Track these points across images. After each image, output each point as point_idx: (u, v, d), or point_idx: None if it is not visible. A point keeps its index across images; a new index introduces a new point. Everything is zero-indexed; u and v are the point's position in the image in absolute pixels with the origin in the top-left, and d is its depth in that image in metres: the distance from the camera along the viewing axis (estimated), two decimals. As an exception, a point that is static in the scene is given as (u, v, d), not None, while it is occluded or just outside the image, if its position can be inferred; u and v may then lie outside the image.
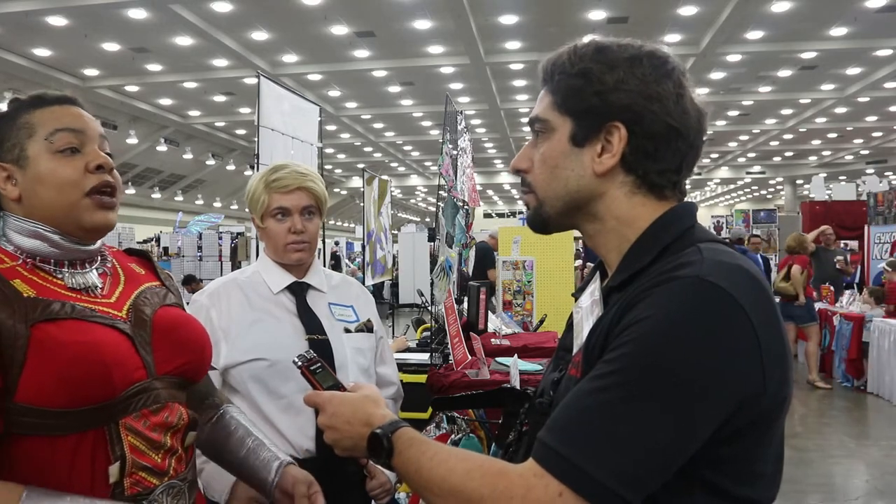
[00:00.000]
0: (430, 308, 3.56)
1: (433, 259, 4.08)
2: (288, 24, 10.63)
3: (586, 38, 0.97)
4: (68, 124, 1.10)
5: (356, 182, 25.38)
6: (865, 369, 7.14)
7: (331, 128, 17.98)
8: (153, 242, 11.86)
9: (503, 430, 1.58)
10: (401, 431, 0.94)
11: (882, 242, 9.09)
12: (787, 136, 20.53)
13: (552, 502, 0.78)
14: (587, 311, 0.97)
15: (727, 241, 0.97)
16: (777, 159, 25.31)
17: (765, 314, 0.82)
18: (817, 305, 7.98)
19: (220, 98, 15.54)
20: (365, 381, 1.54)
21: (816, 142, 21.66)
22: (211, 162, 21.66)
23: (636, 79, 0.91)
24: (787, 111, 17.38)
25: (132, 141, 16.99)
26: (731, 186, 32.99)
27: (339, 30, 10.92)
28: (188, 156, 19.81)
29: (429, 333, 3.80)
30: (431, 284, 3.32)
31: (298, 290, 1.77)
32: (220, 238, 10.42)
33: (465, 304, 3.79)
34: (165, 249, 10.98)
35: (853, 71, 13.32)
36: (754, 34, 11.05)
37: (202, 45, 11.37)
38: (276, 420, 1.65)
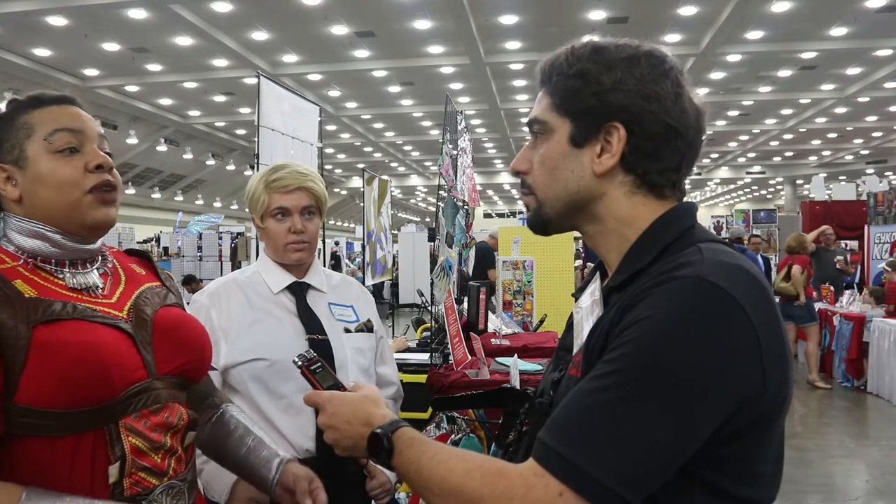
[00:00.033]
0: (430, 308, 3.56)
1: (433, 259, 4.08)
2: (288, 24, 10.63)
3: (583, 39, 0.97)
4: (67, 124, 1.10)
5: (356, 182, 25.38)
6: (865, 369, 7.14)
7: (331, 128, 17.98)
8: (153, 242, 11.86)
9: (503, 430, 1.58)
10: (401, 431, 0.94)
11: (882, 242, 9.09)
12: (787, 136, 20.53)
13: (552, 502, 0.78)
14: (587, 311, 0.98)
15: (726, 240, 0.97)
16: (777, 159, 25.31)
17: (765, 314, 0.82)
18: (817, 305, 7.98)
19: (220, 98, 15.54)
20: (365, 381, 1.54)
21: (816, 142, 21.66)
22: (211, 162, 21.67)
23: (634, 79, 0.91)
24: (787, 111, 17.38)
25: (132, 141, 16.99)
26: (731, 186, 32.99)
27: (339, 30, 10.92)
28: (188, 156, 19.81)
29: (429, 333, 3.80)
30: (431, 284, 3.32)
31: (298, 290, 1.77)
32: (220, 238, 10.42)
33: (465, 304, 3.79)
34: (165, 249, 10.99)
35: (853, 71, 13.32)
36: (754, 34, 11.05)
37: (202, 45, 11.37)
38: (276, 420, 1.65)
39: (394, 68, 13.17)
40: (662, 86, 0.91)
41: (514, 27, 10.92)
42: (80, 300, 1.07)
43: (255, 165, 3.83)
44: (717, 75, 13.62)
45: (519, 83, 14.33)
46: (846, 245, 10.56)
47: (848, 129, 19.10)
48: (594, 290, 0.99)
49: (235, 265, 9.94)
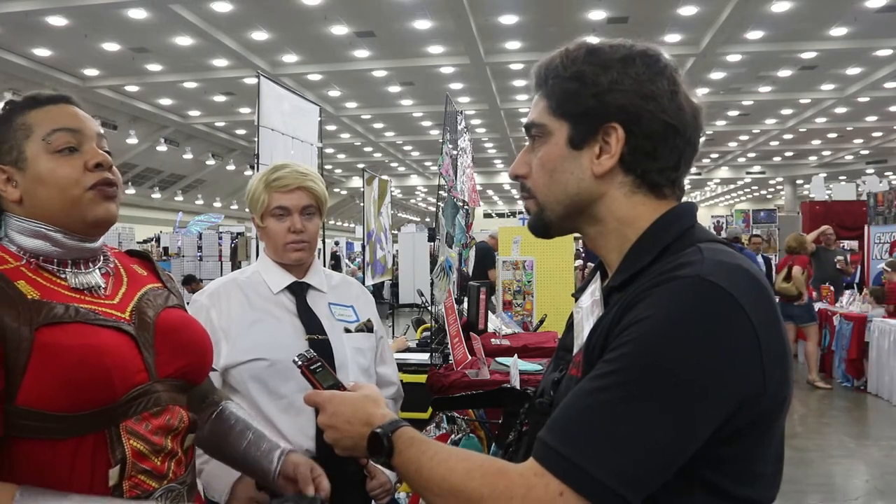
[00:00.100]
0: (430, 308, 3.56)
1: (433, 259, 4.08)
2: (288, 24, 10.63)
3: (576, 41, 0.96)
4: (65, 124, 1.10)
5: (356, 182, 25.38)
6: (865, 369, 7.14)
7: (331, 128, 17.98)
8: (153, 242, 11.86)
9: (503, 430, 1.58)
10: (401, 431, 0.94)
11: (882, 242, 9.09)
12: (787, 136, 20.52)
13: (553, 502, 0.78)
14: (587, 311, 0.98)
15: (726, 240, 0.98)
16: (777, 159, 25.31)
17: (765, 314, 0.82)
18: (817, 305, 7.98)
19: (220, 98, 15.54)
20: (365, 381, 1.54)
21: (816, 142, 21.66)
22: (211, 162, 21.66)
23: (630, 78, 0.91)
24: (787, 111, 17.38)
25: (132, 141, 16.99)
26: (731, 186, 32.99)
27: (339, 30, 10.92)
28: (188, 156, 19.81)
29: (429, 333, 3.80)
30: (431, 284, 3.32)
31: (298, 290, 1.77)
32: (220, 238, 10.42)
33: (465, 304, 3.79)
34: (165, 249, 10.99)
35: (853, 71, 13.32)
36: (754, 34, 11.05)
37: (202, 45, 11.37)
38: (276, 420, 1.65)
39: (394, 68, 13.17)
40: (658, 84, 0.91)
41: (514, 27, 10.92)
42: (82, 301, 1.06)
43: (255, 165, 3.83)
44: (717, 75, 13.62)
45: (519, 83, 14.32)
46: (846, 245, 10.57)
47: (848, 129, 19.10)
48: (594, 290, 0.99)
49: (235, 265, 9.94)
